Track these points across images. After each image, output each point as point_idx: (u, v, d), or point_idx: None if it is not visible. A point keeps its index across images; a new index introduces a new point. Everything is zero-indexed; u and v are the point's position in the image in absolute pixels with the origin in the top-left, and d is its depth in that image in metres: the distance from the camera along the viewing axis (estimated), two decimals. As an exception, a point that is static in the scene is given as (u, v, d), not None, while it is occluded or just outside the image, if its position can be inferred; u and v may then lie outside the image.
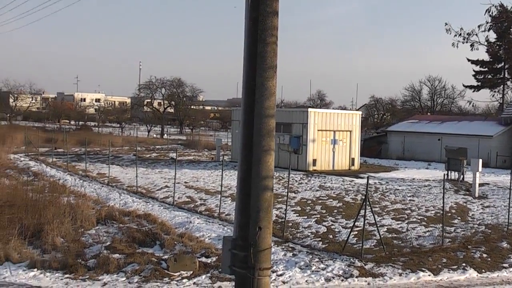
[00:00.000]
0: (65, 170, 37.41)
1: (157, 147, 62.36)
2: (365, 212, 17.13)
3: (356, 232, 18.42)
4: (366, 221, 17.23)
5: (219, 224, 20.64)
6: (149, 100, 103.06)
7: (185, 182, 32.33)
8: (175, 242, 17.01)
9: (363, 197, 18.77)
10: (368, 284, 14.18)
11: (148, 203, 25.15)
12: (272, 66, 9.07)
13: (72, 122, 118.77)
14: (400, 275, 14.82)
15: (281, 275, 14.47)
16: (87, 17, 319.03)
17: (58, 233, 16.97)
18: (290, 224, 20.76)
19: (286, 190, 21.50)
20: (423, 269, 15.29)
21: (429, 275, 14.91)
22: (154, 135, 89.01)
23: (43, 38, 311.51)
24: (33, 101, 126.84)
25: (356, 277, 14.49)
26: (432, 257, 16.54)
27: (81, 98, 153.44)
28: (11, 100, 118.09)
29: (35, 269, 14.43)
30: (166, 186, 30.39)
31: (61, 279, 13.83)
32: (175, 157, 38.92)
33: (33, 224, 17.36)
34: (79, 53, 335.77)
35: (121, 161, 44.40)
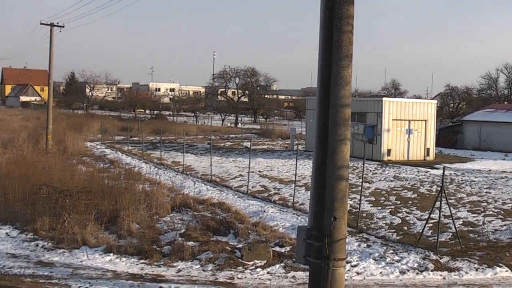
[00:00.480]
0: (140, 158, 38.06)
1: (231, 136, 62.68)
2: (440, 204, 16.76)
3: (431, 225, 18.06)
4: (441, 213, 16.87)
5: (293, 214, 20.60)
6: (223, 90, 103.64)
7: (259, 171, 32.41)
8: (249, 231, 17.07)
9: (438, 189, 18.42)
10: (444, 278, 13.89)
11: (222, 192, 25.31)
12: (347, 55, 8.98)
13: (147, 112, 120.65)
14: (477, 270, 14.44)
15: (355, 266, 14.36)
16: (162, 8, 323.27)
17: (134, 219, 17.27)
18: (364, 215, 20.56)
19: (361, 180, 21.29)
20: (500, 264, 14.84)
21: (506, 271, 14.46)
22: (228, 124, 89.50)
23: (119, 29, 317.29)
24: (109, 91, 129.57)
25: (431, 270, 14.21)
26: (510, 252, 16.04)
27: (156, 88, 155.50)
28: (87, 90, 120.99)
29: (111, 254, 14.76)
30: (240, 175, 30.52)
31: (136, 264, 14.09)
32: (249, 146, 39.02)
33: (109, 210, 17.74)
34: (154, 43, 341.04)
35: (195, 150, 44.82)
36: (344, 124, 8.82)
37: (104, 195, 18.82)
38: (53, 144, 36.99)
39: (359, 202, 20.12)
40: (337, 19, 8.96)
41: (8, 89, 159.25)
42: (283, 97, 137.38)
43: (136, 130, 56.98)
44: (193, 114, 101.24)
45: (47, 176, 21.06)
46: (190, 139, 54.88)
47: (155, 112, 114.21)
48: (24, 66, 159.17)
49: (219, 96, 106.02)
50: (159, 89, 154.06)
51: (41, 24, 36.44)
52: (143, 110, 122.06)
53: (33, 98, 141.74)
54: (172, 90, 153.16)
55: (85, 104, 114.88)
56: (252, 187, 26.60)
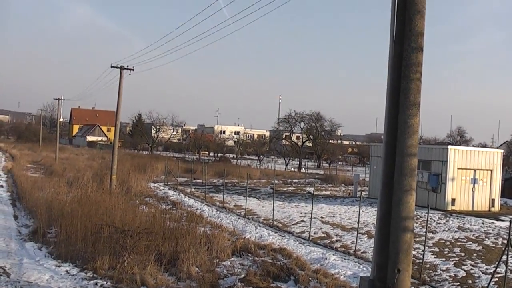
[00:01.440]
0: (203, 200, 38.15)
1: (294, 180, 62.41)
2: (507, 258, 16.16)
3: (497, 279, 17.42)
4: (507, 267, 16.24)
5: (355, 262, 20.20)
6: (287, 134, 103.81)
7: (321, 217, 32.05)
8: (310, 278, 16.77)
9: (504, 242, 17.80)
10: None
11: (284, 237, 25.06)
12: (415, 103, 8.81)
13: (211, 154, 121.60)
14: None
15: (418, 319, 13.91)
16: (229, 52, 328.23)
17: (194, 262, 17.18)
18: (428, 266, 20.00)
19: (424, 230, 20.78)
20: None
21: None
22: (292, 169, 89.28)
23: (186, 72, 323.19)
24: (174, 132, 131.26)
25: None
26: None
27: (221, 131, 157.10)
28: (153, 131, 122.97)
29: (170, 296, 14.67)
30: (302, 221, 30.24)
31: (195, 309, 13.96)
32: (312, 192, 38.76)
33: (170, 252, 17.70)
34: (220, 86, 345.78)
35: (258, 194, 44.72)
36: (410, 174, 8.61)
37: (165, 236, 18.83)
38: (117, 184, 37.46)
39: (422, 252, 19.59)
40: (405, 67, 8.83)
41: (76, 128, 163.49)
42: (347, 142, 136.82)
43: (199, 172, 57.34)
44: (257, 158, 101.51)
45: (109, 216, 21.24)
46: (253, 182, 54.87)
47: (219, 154, 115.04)
48: (93, 107, 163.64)
49: (283, 140, 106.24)
50: (224, 132, 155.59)
51: (112, 67, 37.30)
52: (207, 152, 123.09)
53: (99, 138, 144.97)
54: (237, 133, 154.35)
55: (150, 145, 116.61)
56: (314, 233, 26.29)
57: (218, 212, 32.32)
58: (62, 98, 77.79)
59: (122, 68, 36.87)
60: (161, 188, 44.91)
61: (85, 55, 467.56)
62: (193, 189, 44.27)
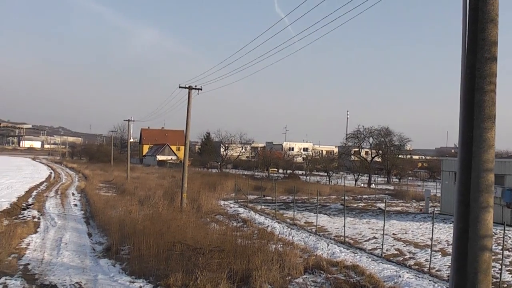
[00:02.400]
0: (273, 217, 38.01)
1: (364, 196, 61.69)
2: None
3: None
4: None
5: (429, 280, 19.70)
6: (356, 149, 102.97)
7: (393, 234, 31.49)
8: (383, 297, 16.45)
9: None
10: None
11: (356, 254, 24.71)
12: (490, 116, 8.53)
13: (280, 171, 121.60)
14: None
15: None
16: (295, 69, 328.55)
17: (266, 279, 17.09)
18: (505, 286, 19.34)
19: (500, 248, 20.15)
20: None
21: None
22: (361, 185, 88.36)
23: (254, 90, 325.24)
24: (243, 150, 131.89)
25: None
26: None
27: (290, 147, 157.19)
28: (222, 149, 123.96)
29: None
30: (374, 237, 29.79)
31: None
32: (382, 208, 38.15)
33: (242, 269, 17.66)
34: (287, 103, 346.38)
35: (328, 210, 44.34)
36: (487, 190, 8.32)
37: (237, 254, 18.80)
38: (188, 202, 37.73)
39: (499, 271, 18.98)
40: (479, 78, 8.56)
41: (146, 148, 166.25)
42: (417, 157, 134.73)
43: (269, 190, 57.35)
44: (326, 174, 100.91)
45: (181, 234, 21.41)
46: (323, 199, 54.49)
47: (288, 171, 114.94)
48: (162, 127, 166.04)
49: (352, 156, 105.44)
50: (292, 149, 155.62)
51: (180, 87, 37.69)
52: (276, 169, 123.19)
53: (169, 157, 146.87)
54: (305, 149, 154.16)
55: (219, 163, 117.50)
56: (387, 250, 25.85)
57: (289, 229, 32.11)
58: (132, 119, 79.49)
59: (190, 88, 37.25)
60: (231, 205, 44.98)
61: (153, 77, 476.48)
62: (263, 206, 44.26)
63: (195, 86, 37.20)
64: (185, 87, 37.40)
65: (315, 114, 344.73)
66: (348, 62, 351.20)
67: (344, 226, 29.99)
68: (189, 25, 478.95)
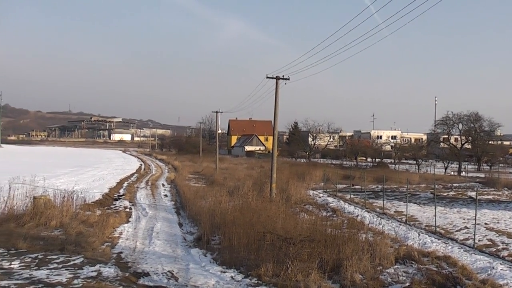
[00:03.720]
0: (363, 207, 37.80)
1: (454, 185, 60.41)
2: None
3: None
4: None
5: (525, 272, 19.20)
6: (445, 136, 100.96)
7: (485, 224, 30.75)
8: (477, 288, 16.18)
9: None
10: None
11: (447, 244, 24.29)
12: None
13: (369, 159, 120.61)
14: None
15: None
16: (381, 56, 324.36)
17: (357, 269, 17.08)
18: None
19: None
20: None
21: None
22: (451, 172, 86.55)
23: (339, 79, 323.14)
24: (331, 139, 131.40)
25: None
26: None
27: (377, 136, 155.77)
28: (310, 139, 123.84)
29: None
30: (466, 227, 29.19)
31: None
32: (473, 196, 37.36)
33: (332, 259, 17.70)
34: (375, 91, 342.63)
35: (418, 199, 43.72)
36: None
37: (327, 244, 18.82)
38: (277, 192, 37.92)
39: None
40: None
41: (234, 139, 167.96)
42: (508, 143, 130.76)
43: (357, 179, 57.04)
44: (415, 162, 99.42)
45: (271, 224, 21.59)
46: (412, 188, 53.71)
47: (377, 160, 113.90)
48: (250, 118, 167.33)
49: (441, 143, 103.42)
50: (380, 137, 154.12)
51: (267, 78, 37.84)
52: (364, 158, 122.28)
53: (257, 148, 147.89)
54: (393, 137, 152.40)
55: (307, 153, 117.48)
56: (479, 240, 25.30)
57: (379, 218, 31.88)
58: (220, 110, 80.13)
59: (277, 78, 37.37)
60: (320, 195, 44.96)
61: (240, 68, 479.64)
62: (352, 196, 44.10)
63: (283, 76, 37.30)
64: (272, 77, 37.53)
65: (403, 101, 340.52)
66: (435, 46, 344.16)
67: (435, 215, 29.56)
68: (275, 16, 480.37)
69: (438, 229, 28.42)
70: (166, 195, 42.73)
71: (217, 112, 78.28)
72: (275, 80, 37.75)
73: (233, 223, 21.84)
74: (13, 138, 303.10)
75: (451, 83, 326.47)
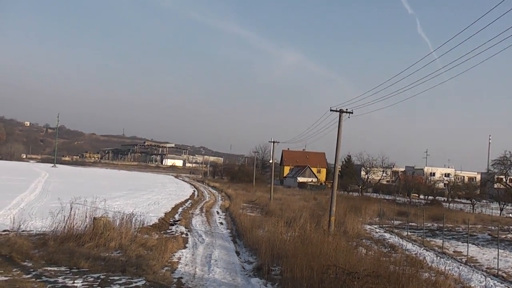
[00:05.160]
0: (420, 244, 37.31)
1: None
2: None
3: None
4: None
5: None
6: (502, 177, 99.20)
7: (549, 268, 30.07)
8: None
9: None
10: None
11: (511, 288, 23.84)
12: None
13: (421, 196, 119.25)
14: None
15: None
16: (436, 93, 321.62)
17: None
18: None
19: None
20: None
21: None
22: (509, 214, 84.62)
23: (394, 113, 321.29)
24: (384, 174, 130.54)
25: None
26: None
27: (431, 172, 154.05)
28: (362, 173, 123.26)
29: None
30: (528, 271, 28.59)
31: None
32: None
33: (396, 297, 17.50)
34: (429, 127, 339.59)
35: (476, 240, 43.02)
36: None
37: (391, 281, 18.62)
38: (334, 225, 37.74)
39: None
40: None
41: (286, 170, 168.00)
42: None
43: (412, 215, 56.43)
44: (469, 202, 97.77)
45: (333, 257, 21.45)
46: (469, 228, 52.88)
47: (429, 197, 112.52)
48: (303, 149, 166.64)
49: (497, 184, 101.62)
50: (434, 174, 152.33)
51: (331, 110, 37.88)
52: (417, 195, 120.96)
53: (309, 179, 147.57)
54: (447, 175, 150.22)
55: (360, 187, 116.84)
56: (544, 286, 24.72)
57: (438, 257, 31.44)
58: (273, 140, 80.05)
59: (341, 111, 37.37)
60: (377, 230, 44.58)
61: (293, 99, 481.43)
62: (409, 233, 43.57)
63: (346, 109, 37.31)
64: (336, 110, 37.56)
65: (457, 138, 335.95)
66: (492, 85, 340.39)
67: (498, 258, 29.01)
68: (331, 52, 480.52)
69: (500, 272, 27.89)
70: (221, 223, 42.80)
71: (273, 142, 78.16)
72: (338, 113, 37.78)
73: (294, 255, 21.75)
74: (67, 158, 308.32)
75: (507, 122, 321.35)
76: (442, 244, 36.85)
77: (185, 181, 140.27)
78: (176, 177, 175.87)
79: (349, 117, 37.55)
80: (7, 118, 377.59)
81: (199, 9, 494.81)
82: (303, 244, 23.66)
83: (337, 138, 37.81)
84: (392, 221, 49.79)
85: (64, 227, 26.02)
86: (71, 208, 26.83)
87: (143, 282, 18.56)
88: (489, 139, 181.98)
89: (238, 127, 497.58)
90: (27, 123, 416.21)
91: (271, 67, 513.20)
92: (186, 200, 65.36)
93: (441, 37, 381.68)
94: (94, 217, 27.42)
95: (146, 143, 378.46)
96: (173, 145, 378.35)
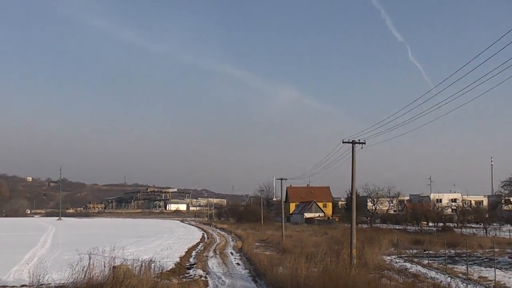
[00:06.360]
0: (443, 272, 36.66)
1: (528, 249, 58.38)
2: None
3: None
4: None
5: None
6: (508, 198, 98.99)
7: None
8: None
9: None
10: None
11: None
12: None
13: (430, 224, 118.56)
14: None
15: None
16: (435, 116, 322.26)
17: None
18: None
19: None
20: None
21: None
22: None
23: (394, 141, 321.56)
24: (391, 204, 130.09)
25: None
26: None
27: (437, 199, 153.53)
28: (369, 204, 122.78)
29: None
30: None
31: None
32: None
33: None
34: (430, 154, 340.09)
35: (497, 264, 41.94)
36: None
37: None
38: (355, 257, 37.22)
39: None
40: None
41: (292, 206, 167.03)
42: None
43: (427, 243, 55.82)
44: (481, 225, 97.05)
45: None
46: (486, 252, 52.26)
47: (439, 224, 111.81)
48: (307, 184, 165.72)
49: (505, 205, 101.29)
50: (440, 200, 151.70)
51: (343, 142, 37.55)
52: (426, 222, 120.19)
53: (316, 214, 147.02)
54: (454, 200, 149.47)
55: (369, 218, 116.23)
56: None
57: (465, 284, 30.77)
58: (284, 178, 79.13)
59: (353, 142, 36.99)
60: (396, 260, 43.96)
61: (292, 135, 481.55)
62: (430, 261, 42.90)
63: (358, 140, 36.92)
64: (348, 142, 37.18)
65: (460, 162, 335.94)
66: (493, 106, 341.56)
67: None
68: (327, 86, 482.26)
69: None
70: (238, 263, 42.12)
71: (281, 179, 76.91)
72: (351, 144, 37.41)
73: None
74: (71, 211, 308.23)
75: (508, 143, 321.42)
76: (467, 270, 36.14)
77: (192, 225, 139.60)
78: (182, 221, 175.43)
79: (361, 148, 37.14)
80: (10, 175, 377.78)
81: (191, 52, 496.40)
82: (331, 279, 23.11)
83: (352, 169, 37.42)
84: (412, 251, 49.07)
85: (84, 277, 25.51)
86: (89, 259, 26.36)
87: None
88: (491, 161, 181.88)
89: (239, 167, 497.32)
90: (29, 179, 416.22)
91: (267, 105, 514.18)
92: (198, 244, 64.81)
93: (432, 62, 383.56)
94: (113, 266, 26.92)
95: (148, 190, 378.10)
96: (175, 189, 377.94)
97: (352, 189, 38.97)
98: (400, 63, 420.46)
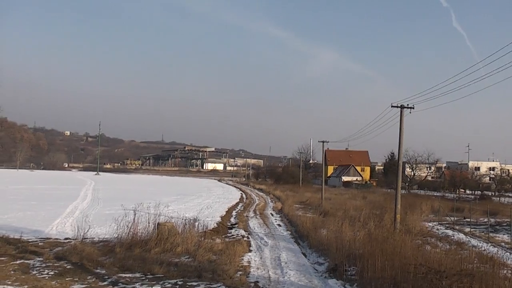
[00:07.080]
0: (486, 240, 36.61)
1: None
2: None
3: None
4: None
5: None
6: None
7: None
8: None
9: None
10: None
11: None
12: None
13: (467, 191, 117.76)
14: None
15: None
16: (475, 87, 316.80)
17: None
18: None
19: None
20: None
21: None
22: None
23: (436, 110, 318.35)
24: (430, 170, 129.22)
25: None
26: None
27: (476, 167, 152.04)
28: (407, 170, 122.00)
29: None
30: None
31: None
32: None
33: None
34: (469, 121, 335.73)
35: (539, 234, 42.08)
36: None
37: (475, 279, 18.13)
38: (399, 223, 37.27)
39: None
40: None
41: (330, 169, 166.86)
42: None
43: (466, 211, 55.64)
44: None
45: (411, 256, 20.97)
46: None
47: (476, 192, 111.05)
48: (346, 148, 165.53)
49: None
50: (478, 168, 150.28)
51: (392, 106, 37.21)
52: (463, 190, 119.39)
53: (354, 178, 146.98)
54: (492, 169, 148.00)
55: (407, 184, 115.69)
56: None
57: (508, 253, 30.74)
58: (326, 140, 78.68)
59: (402, 107, 36.64)
60: (438, 227, 43.96)
61: (331, 98, 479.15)
62: (472, 229, 42.85)
63: (407, 104, 36.62)
64: (397, 106, 36.84)
65: (499, 131, 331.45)
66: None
67: None
68: (368, 50, 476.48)
69: None
70: (279, 225, 42.39)
71: (323, 141, 76.22)
72: (399, 109, 37.14)
73: (372, 254, 21.28)
74: (108, 166, 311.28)
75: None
76: (511, 239, 36.04)
77: (230, 185, 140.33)
78: (219, 180, 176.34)
79: (410, 112, 36.82)
80: (48, 129, 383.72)
81: (231, 12, 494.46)
82: (380, 243, 23.18)
83: (400, 134, 37.19)
84: (452, 218, 48.96)
85: (128, 233, 25.96)
86: (134, 214, 26.79)
87: (223, 287, 18.39)
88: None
89: (276, 129, 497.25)
90: (67, 133, 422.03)
91: (307, 67, 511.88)
92: (237, 204, 65.33)
93: (476, 28, 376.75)
94: (158, 223, 27.33)
95: (186, 148, 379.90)
96: (213, 149, 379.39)
97: (399, 155, 38.82)
98: (444, 30, 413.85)
